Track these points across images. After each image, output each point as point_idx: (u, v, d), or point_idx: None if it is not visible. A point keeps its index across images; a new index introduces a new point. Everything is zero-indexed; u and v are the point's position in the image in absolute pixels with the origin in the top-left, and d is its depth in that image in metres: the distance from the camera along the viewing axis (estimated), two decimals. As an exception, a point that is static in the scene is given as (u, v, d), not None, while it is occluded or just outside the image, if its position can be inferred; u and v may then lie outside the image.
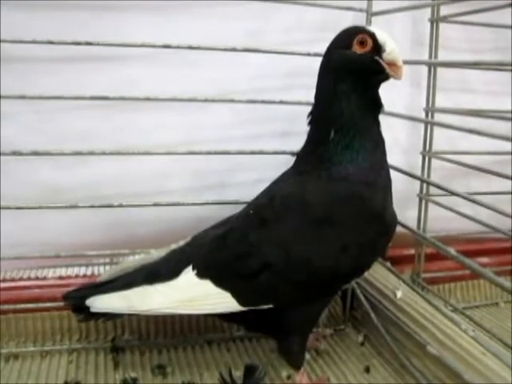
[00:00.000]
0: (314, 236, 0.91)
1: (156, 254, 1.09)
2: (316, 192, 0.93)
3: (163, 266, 1.02)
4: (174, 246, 1.09)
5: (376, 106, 0.94)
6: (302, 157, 1.00)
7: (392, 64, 0.89)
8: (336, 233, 0.91)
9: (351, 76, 0.91)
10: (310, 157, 0.96)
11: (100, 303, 1.00)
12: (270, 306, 0.95)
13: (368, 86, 0.92)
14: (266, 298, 0.94)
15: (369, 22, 1.25)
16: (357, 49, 0.90)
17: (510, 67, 1.14)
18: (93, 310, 1.01)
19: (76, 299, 1.04)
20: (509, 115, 1.19)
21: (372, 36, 0.89)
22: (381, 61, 0.89)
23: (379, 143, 0.95)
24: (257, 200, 1.05)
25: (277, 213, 0.95)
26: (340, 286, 1.01)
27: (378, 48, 0.89)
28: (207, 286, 0.96)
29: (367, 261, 0.97)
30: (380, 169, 0.94)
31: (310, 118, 0.98)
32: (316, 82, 0.97)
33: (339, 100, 0.92)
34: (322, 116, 0.95)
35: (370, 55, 0.89)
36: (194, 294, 0.97)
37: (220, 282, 0.96)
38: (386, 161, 0.97)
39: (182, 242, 1.09)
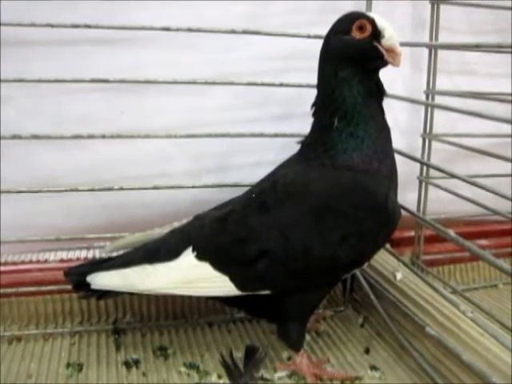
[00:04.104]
0: (314, 224, 0.91)
1: (159, 231, 1.10)
2: (319, 181, 0.93)
3: (164, 246, 1.03)
4: (176, 224, 1.10)
5: (379, 92, 0.94)
6: (307, 144, 1.00)
7: (390, 50, 0.89)
8: (336, 222, 0.91)
9: (350, 62, 0.91)
10: (315, 145, 0.96)
11: (100, 280, 1.01)
12: (268, 292, 0.95)
13: (368, 72, 0.92)
14: (263, 284, 0.95)
15: (369, 3, 1.25)
16: (356, 34, 0.90)
17: (510, 49, 1.13)
18: (93, 286, 1.01)
19: (77, 275, 1.05)
20: (509, 97, 1.19)
21: (371, 22, 0.89)
22: (379, 47, 0.89)
23: (383, 130, 0.95)
24: (260, 184, 1.05)
25: (279, 199, 0.95)
26: (339, 275, 1.01)
27: (377, 34, 0.89)
28: (206, 268, 0.97)
29: (367, 251, 0.97)
30: (384, 157, 0.93)
31: (313, 109, 0.98)
32: (317, 69, 0.96)
33: (341, 87, 0.92)
34: (324, 104, 0.95)
35: (368, 41, 0.90)
36: (192, 276, 0.98)
37: (219, 265, 0.96)
38: (391, 148, 0.97)
39: (184, 221, 1.10)
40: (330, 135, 0.93)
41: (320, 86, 0.97)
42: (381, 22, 0.89)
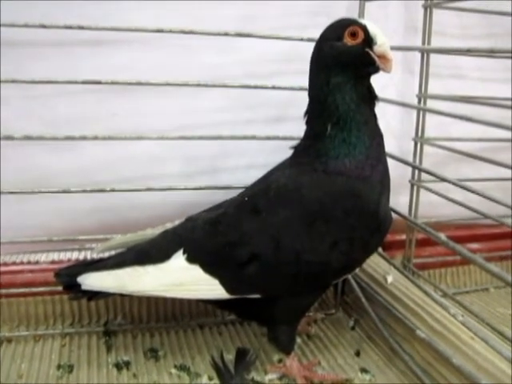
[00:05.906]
0: (306, 230, 0.91)
1: (151, 232, 1.10)
2: (311, 186, 0.93)
3: (155, 247, 1.03)
4: (169, 225, 1.10)
5: (371, 97, 0.95)
6: (299, 150, 1.00)
7: (382, 57, 0.90)
8: (328, 228, 0.91)
9: (343, 68, 0.91)
10: (308, 150, 0.96)
11: (91, 281, 1.01)
12: (258, 295, 0.95)
13: (360, 78, 0.92)
14: (253, 288, 0.95)
15: (362, 7, 1.24)
16: (348, 40, 0.90)
17: (502, 54, 1.14)
18: (84, 287, 1.01)
19: (67, 276, 1.05)
20: (500, 102, 1.20)
21: (363, 28, 0.90)
22: (371, 53, 0.90)
23: (376, 136, 0.95)
24: (252, 187, 1.05)
25: (270, 203, 0.95)
26: (330, 281, 1.01)
27: (369, 40, 0.90)
28: (196, 271, 0.97)
29: (358, 258, 0.97)
30: (377, 163, 0.94)
31: (306, 118, 0.98)
32: (308, 75, 0.97)
33: (333, 93, 0.92)
34: (317, 111, 0.95)
35: (360, 47, 0.90)
36: (183, 279, 0.98)
37: (209, 268, 0.96)
38: (383, 154, 0.97)
39: (177, 222, 1.10)
40: (323, 141, 0.94)
41: (312, 92, 0.97)
42: (373, 29, 0.90)
